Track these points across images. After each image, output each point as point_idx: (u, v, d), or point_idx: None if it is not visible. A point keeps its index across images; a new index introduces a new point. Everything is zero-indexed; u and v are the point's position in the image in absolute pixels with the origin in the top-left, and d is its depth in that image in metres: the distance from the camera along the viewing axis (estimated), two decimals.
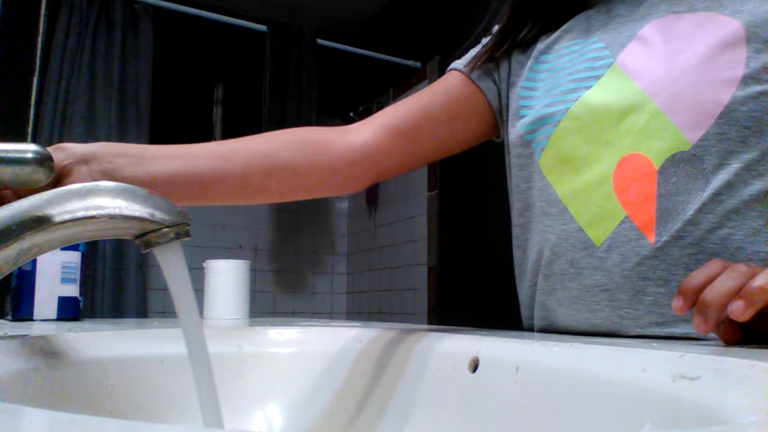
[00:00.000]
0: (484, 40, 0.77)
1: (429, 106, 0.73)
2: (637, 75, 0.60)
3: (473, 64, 0.74)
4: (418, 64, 2.68)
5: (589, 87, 0.63)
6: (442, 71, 2.52)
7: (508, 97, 0.73)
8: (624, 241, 0.58)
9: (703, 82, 0.56)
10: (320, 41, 2.68)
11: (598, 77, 0.63)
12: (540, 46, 0.71)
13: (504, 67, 0.74)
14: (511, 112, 0.72)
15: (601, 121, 0.61)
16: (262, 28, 2.54)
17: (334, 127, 0.73)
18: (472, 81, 0.74)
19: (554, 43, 0.70)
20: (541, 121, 0.65)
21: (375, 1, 3.08)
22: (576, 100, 0.63)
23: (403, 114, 0.72)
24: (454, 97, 0.74)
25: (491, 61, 0.74)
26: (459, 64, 0.76)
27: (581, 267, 0.61)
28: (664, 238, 0.56)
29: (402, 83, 2.81)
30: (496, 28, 0.78)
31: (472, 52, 0.76)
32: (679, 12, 0.61)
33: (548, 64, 0.69)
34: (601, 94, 0.62)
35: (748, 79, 0.55)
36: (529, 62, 0.71)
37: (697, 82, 0.56)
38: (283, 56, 2.62)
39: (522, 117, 0.68)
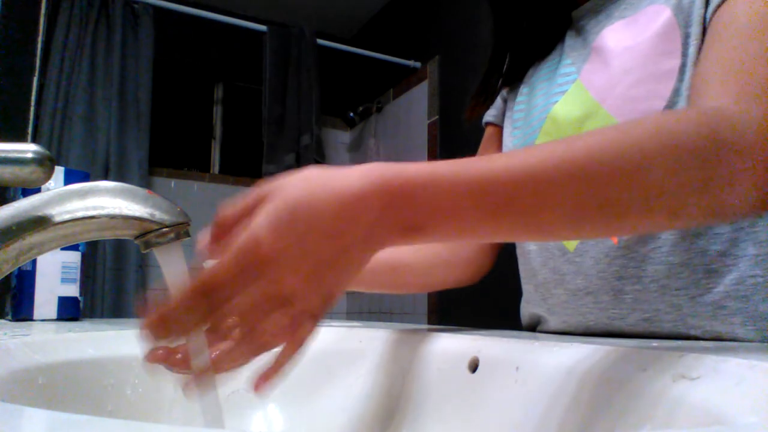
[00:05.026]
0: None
1: None
2: (590, 84, 0.62)
3: (499, 110, 0.78)
4: (418, 64, 2.68)
5: (556, 102, 0.65)
6: (442, 71, 2.54)
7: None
8: (591, 243, 0.60)
9: (643, 79, 0.56)
10: (320, 41, 2.67)
11: (564, 92, 0.65)
12: (530, 71, 0.73)
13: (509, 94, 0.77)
14: (505, 133, 0.74)
15: (564, 132, 0.63)
16: (262, 28, 2.54)
17: None
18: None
19: (537, 67, 0.72)
20: (524, 143, 0.68)
21: (375, 1, 3.07)
22: (546, 117, 0.65)
23: None
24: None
25: (497, 94, 0.76)
26: (491, 115, 0.79)
27: (563, 273, 0.63)
28: (625, 237, 0.57)
29: (402, 83, 2.81)
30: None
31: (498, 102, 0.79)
32: (627, 15, 0.61)
33: (529, 87, 0.71)
34: (563, 107, 0.64)
35: (686, 69, 0.54)
36: (520, 87, 0.73)
37: (637, 80, 0.56)
38: (283, 56, 2.62)
39: (514, 138, 0.71)
